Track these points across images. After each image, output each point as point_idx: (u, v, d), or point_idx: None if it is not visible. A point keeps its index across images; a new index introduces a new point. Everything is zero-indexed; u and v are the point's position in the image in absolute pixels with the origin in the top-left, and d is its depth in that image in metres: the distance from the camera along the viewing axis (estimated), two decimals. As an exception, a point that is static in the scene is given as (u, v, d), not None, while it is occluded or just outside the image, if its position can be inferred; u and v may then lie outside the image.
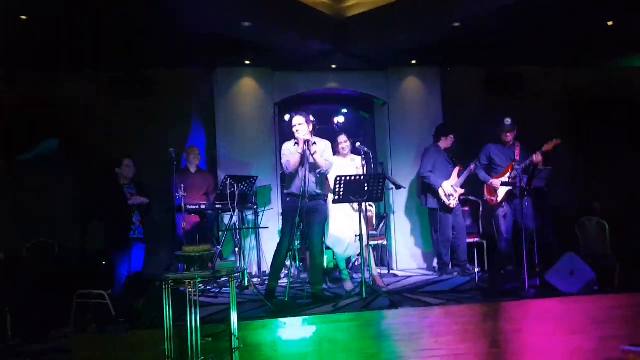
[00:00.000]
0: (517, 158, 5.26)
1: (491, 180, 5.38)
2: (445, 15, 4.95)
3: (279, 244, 4.50)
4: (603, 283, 4.45)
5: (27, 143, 5.97)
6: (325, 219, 4.63)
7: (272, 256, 4.54)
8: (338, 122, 6.60)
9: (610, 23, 5.34)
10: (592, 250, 5.12)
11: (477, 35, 5.50)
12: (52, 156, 5.99)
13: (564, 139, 5.15)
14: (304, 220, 4.30)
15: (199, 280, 3.27)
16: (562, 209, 6.10)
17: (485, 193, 5.49)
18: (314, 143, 4.37)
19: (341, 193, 4.32)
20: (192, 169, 5.76)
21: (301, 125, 4.33)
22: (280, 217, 5.89)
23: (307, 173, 4.28)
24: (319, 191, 4.49)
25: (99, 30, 5.04)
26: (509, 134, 5.36)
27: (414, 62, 6.33)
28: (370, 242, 5.23)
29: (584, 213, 5.64)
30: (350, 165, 4.94)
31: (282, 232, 4.55)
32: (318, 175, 4.46)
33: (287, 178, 4.55)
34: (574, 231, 5.47)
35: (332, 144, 4.68)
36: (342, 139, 4.98)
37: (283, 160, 4.46)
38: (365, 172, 4.66)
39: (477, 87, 6.74)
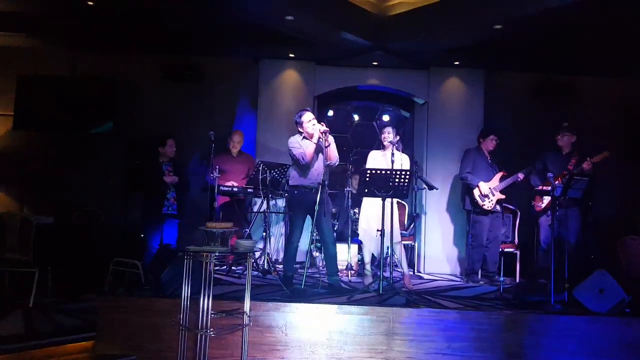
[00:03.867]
0: (571, 167, 5.06)
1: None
2: (485, 16, 4.85)
3: (290, 236, 4.58)
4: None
5: (82, 119, 6.44)
6: (331, 209, 4.68)
7: (285, 247, 4.63)
8: (378, 120, 6.71)
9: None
10: (633, 271, 4.83)
11: (521, 39, 5.35)
12: (107, 134, 6.44)
13: (615, 152, 4.95)
14: (318, 213, 4.33)
15: (217, 254, 3.43)
16: (605, 224, 5.80)
17: (535, 199, 5.32)
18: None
19: (366, 186, 4.35)
20: (234, 152, 5.89)
21: (315, 119, 4.51)
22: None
23: (324, 164, 4.39)
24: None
25: (155, 17, 5.34)
26: (565, 139, 5.20)
27: (456, 63, 6.22)
28: (403, 242, 5.23)
29: (628, 231, 5.33)
30: (383, 160, 4.85)
31: (294, 224, 4.56)
32: (327, 168, 4.50)
33: (297, 170, 4.56)
34: (615, 249, 5.19)
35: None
36: (388, 130, 4.89)
37: (296, 152, 4.47)
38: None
39: (523, 93, 6.53)
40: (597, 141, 5.79)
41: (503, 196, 5.46)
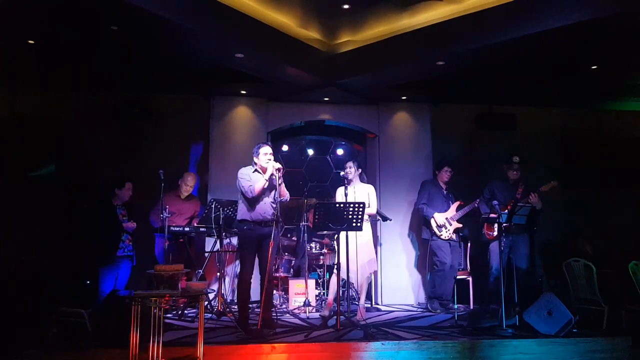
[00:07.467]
0: (518, 197, 5.27)
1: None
2: (428, 53, 5.10)
3: (242, 273, 4.44)
4: (590, 326, 4.42)
5: (21, 162, 6.09)
6: (278, 244, 4.62)
7: (237, 286, 4.54)
8: (332, 154, 6.86)
9: (594, 67, 5.45)
10: (579, 292, 5.05)
11: (463, 74, 5.66)
12: (48, 177, 6.13)
13: (555, 178, 5.20)
14: (263, 246, 4.32)
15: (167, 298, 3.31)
16: (550, 248, 6.06)
17: (485, 227, 5.47)
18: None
19: (318, 220, 4.35)
20: (183, 195, 5.74)
21: (272, 155, 4.50)
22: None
23: (276, 200, 4.38)
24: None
25: (102, 55, 5.25)
26: (515, 172, 5.41)
27: (404, 97, 6.46)
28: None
29: (572, 254, 5.59)
30: (352, 193, 4.90)
31: (245, 261, 4.46)
32: (278, 203, 4.45)
33: (244, 204, 4.49)
34: (562, 272, 5.42)
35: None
36: (349, 164, 5.04)
37: (244, 184, 4.42)
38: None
39: (468, 124, 6.86)
40: (538, 169, 6.14)
41: (460, 225, 5.67)
